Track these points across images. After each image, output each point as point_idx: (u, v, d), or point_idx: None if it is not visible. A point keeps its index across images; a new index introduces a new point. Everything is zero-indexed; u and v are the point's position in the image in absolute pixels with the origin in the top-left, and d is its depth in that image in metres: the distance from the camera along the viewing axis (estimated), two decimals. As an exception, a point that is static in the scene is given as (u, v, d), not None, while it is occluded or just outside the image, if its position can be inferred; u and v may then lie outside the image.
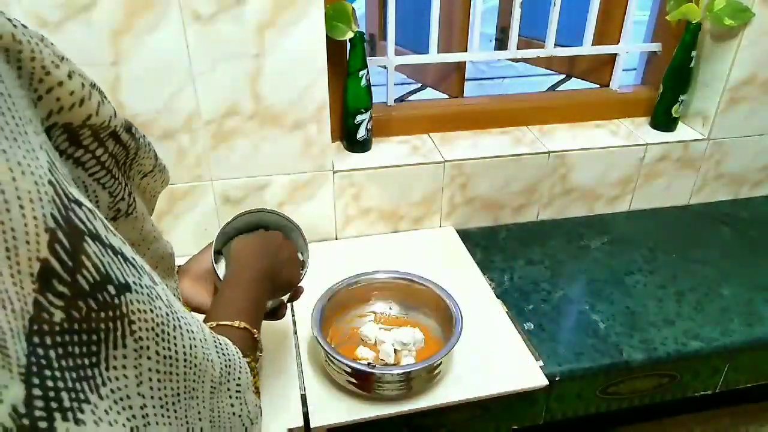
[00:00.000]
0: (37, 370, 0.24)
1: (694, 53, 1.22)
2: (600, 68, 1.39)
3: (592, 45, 1.31)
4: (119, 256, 0.29)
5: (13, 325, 0.23)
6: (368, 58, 1.13)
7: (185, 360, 0.33)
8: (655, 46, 1.34)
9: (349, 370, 0.83)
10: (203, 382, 0.36)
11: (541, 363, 0.93)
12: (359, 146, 1.19)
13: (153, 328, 0.30)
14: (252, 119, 1.03)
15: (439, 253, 1.19)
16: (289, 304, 0.80)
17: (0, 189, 0.23)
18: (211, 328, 0.53)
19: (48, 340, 0.25)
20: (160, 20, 0.91)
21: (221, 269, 0.75)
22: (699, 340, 0.98)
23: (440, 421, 0.92)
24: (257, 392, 0.48)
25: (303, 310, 1.00)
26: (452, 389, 0.87)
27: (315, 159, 1.10)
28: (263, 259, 0.68)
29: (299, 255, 0.82)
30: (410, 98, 1.51)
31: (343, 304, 0.97)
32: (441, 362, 0.85)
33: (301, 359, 0.92)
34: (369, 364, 0.84)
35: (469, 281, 1.09)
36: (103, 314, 0.27)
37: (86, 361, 0.27)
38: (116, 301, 0.28)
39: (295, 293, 0.79)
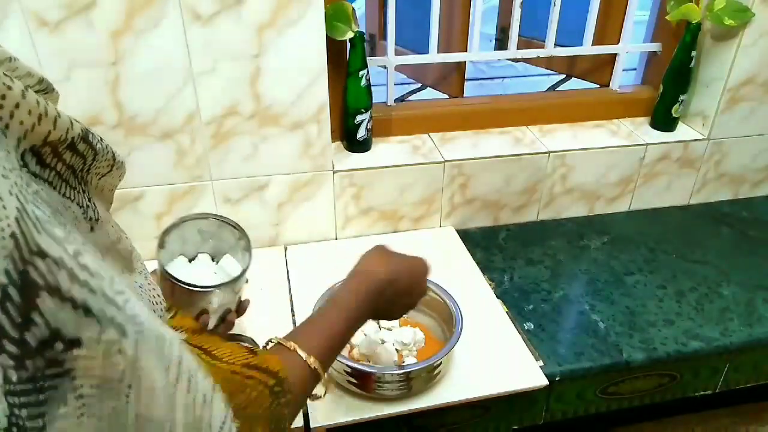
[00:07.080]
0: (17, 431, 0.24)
1: (694, 53, 1.22)
2: (600, 68, 1.39)
3: (592, 45, 1.31)
4: (81, 309, 0.27)
5: None
6: (368, 58, 1.13)
7: (137, 422, 0.31)
8: (655, 46, 1.34)
9: (349, 370, 0.83)
10: None
11: (541, 363, 0.93)
12: (359, 146, 1.19)
13: (100, 385, 0.28)
14: (252, 119, 1.03)
15: (439, 253, 1.18)
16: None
17: None
18: (281, 345, 0.54)
19: (16, 401, 0.25)
20: (160, 20, 0.91)
21: (176, 266, 0.69)
22: (699, 340, 0.98)
23: (440, 421, 0.92)
24: None
25: (303, 311, 1.00)
26: (452, 389, 0.87)
27: (315, 159, 1.10)
28: (383, 297, 0.64)
29: (240, 263, 0.74)
30: (410, 98, 1.51)
31: (343, 304, 0.97)
32: (441, 362, 0.85)
33: (301, 359, 0.92)
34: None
35: (469, 281, 1.09)
36: (48, 372, 0.26)
37: (40, 423, 0.26)
38: (61, 357, 0.27)
39: (240, 306, 0.76)
